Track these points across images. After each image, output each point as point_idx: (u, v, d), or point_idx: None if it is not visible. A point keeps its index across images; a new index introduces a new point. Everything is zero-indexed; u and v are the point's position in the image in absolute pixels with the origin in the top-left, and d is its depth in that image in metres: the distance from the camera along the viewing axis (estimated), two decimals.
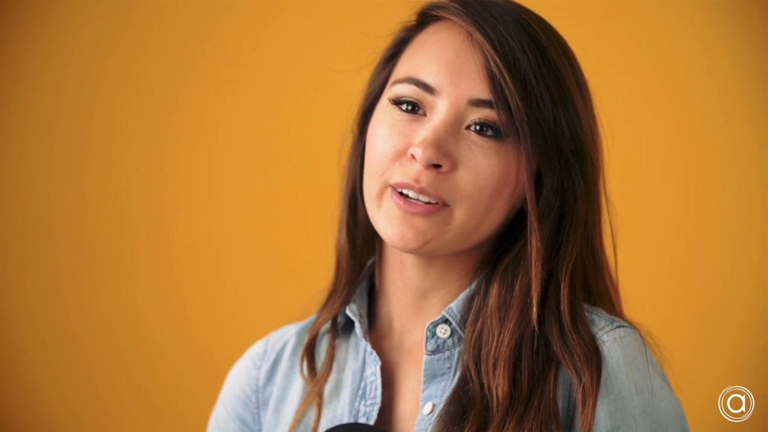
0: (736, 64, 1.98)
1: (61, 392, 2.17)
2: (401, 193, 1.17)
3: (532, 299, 1.16)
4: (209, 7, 2.13)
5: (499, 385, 1.15)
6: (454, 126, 1.16)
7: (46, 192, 2.15)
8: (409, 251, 1.18)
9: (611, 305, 1.24)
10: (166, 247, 2.18)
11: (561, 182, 1.18)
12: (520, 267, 1.19)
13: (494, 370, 1.16)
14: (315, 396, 1.28)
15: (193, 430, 2.05)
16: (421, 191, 1.15)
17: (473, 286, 1.22)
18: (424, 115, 1.17)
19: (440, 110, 1.16)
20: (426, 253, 1.19)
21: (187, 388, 2.14)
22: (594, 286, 1.22)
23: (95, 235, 2.16)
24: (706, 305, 2.01)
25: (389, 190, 1.17)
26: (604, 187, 1.25)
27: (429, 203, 1.16)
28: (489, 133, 1.16)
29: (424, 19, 1.23)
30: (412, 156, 1.15)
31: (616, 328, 1.17)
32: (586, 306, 1.20)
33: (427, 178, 1.15)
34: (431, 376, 1.21)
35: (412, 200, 1.16)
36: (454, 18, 1.18)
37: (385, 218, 1.18)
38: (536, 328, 1.15)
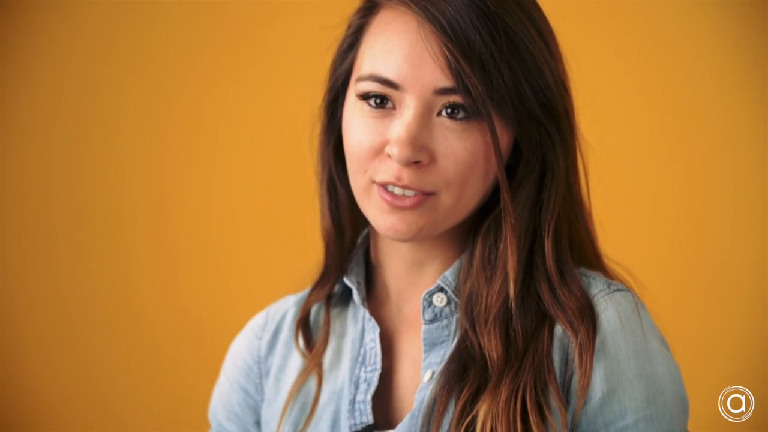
0: (736, 63, 1.98)
1: (61, 392, 2.17)
2: (387, 189, 1.17)
3: (507, 254, 1.17)
4: (209, 8, 2.13)
5: (492, 345, 1.16)
6: (425, 117, 1.16)
7: (46, 192, 2.15)
8: (404, 242, 1.20)
9: (592, 249, 1.24)
10: (166, 247, 2.18)
11: (539, 143, 1.18)
12: (501, 226, 1.19)
13: (487, 330, 1.16)
14: (314, 367, 1.28)
15: (194, 429, 2.05)
16: (405, 188, 1.16)
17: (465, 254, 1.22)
18: (394, 108, 1.17)
19: (408, 105, 1.16)
20: (421, 239, 1.20)
21: (188, 388, 2.14)
22: (576, 238, 1.22)
23: (96, 234, 2.16)
24: (706, 306, 2.01)
25: (375, 186, 1.18)
26: (578, 131, 1.24)
27: (415, 195, 1.16)
28: (460, 115, 1.16)
29: (372, 2, 1.21)
30: (390, 155, 1.16)
31: (613, 291, 1.18)
32: (583, 270, 1.20)
33: (408, 174, 1.15)
34: (431, 345, 1.22)
35: (398, 195, 1.16)
36: (402, 8, 1.17)
37: (377, 213, 1.18)
38: (512, 282, 1.16)
